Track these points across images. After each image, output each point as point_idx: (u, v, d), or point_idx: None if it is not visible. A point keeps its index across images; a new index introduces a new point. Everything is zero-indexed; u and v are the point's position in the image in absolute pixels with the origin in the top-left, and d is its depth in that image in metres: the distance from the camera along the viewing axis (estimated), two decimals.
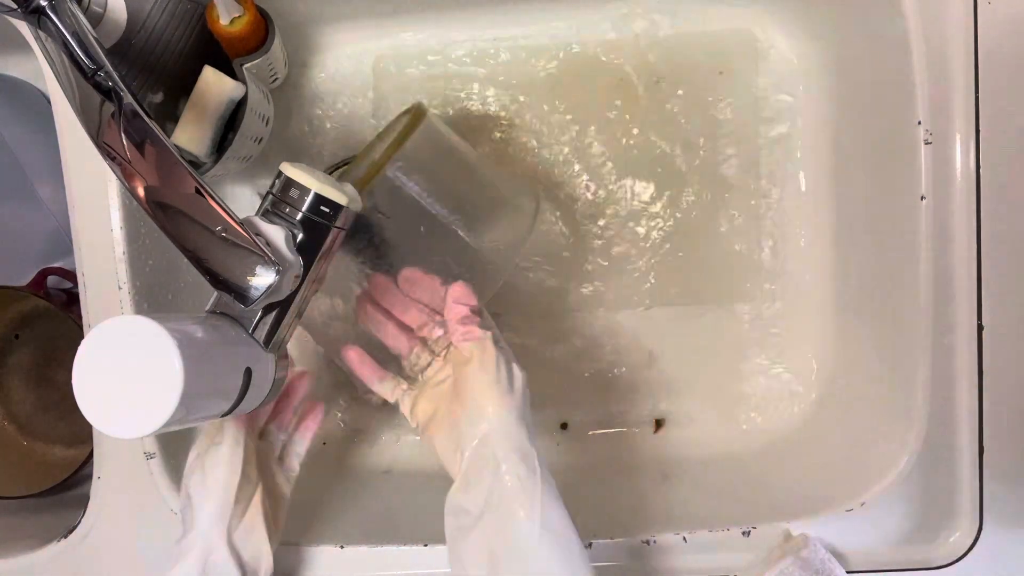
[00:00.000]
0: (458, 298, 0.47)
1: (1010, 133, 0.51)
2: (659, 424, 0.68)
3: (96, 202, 0.54)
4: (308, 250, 0.44)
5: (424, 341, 0.50)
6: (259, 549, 0.48)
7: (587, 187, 0.67)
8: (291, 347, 0.47)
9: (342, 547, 0.55)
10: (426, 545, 0.55)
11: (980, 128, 0.51)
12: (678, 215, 0.66)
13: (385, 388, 0.50)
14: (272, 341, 0.44)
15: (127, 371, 0.35)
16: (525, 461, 0.44)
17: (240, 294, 0.40)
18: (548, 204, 0.67)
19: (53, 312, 0.72)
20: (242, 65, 0.53)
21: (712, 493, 0.62)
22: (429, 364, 0.50)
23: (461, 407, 0.46)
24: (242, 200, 0.66)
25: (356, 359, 0.50)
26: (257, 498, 0.48)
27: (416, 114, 0.52)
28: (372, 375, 0.50)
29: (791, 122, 0.66)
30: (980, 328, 0.52)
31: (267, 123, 0.60)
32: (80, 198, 0.55)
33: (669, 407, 0.68)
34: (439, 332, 0.49)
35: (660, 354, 0.68)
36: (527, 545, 0.42)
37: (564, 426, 0.68)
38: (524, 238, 0.56)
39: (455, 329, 0.47)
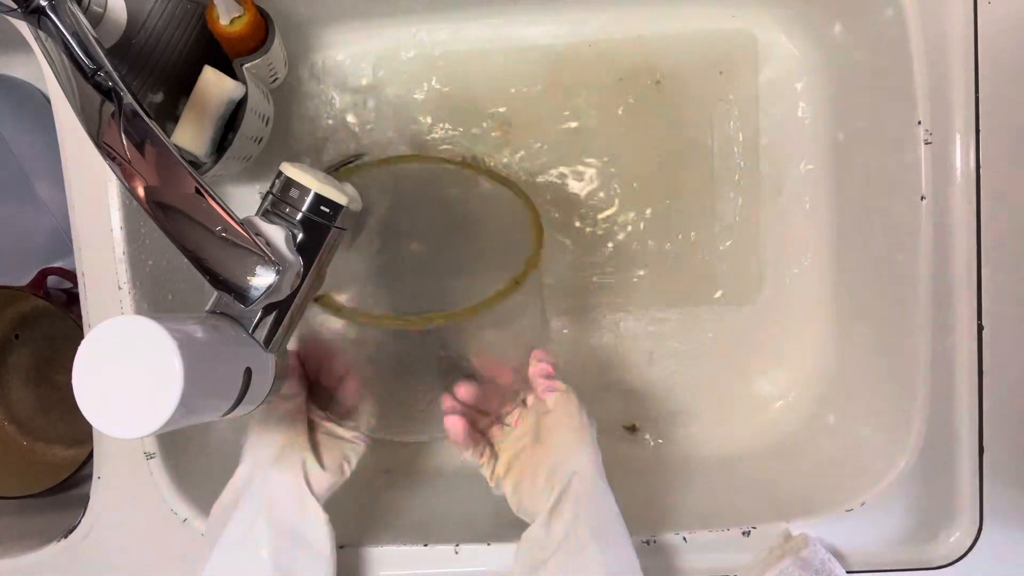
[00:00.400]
0: (541, 358, 0.54)
1: (1010, 133, 0.51)
2: (632, 429, 0.68)
3: (96, 202, 0.54)
4: (308, 250, 0.44)
5: (499, 416, 0.55)
6: (296, 488, 0.49)
7: (586, 188, 0.67)
8: (291, 347, 0.47)
9: (342, 547, 0.55)
10: (426, 545, 0.55)
11: (980, 128, 0.51)
12: (678, 215, 0.66)
13: (476, 452, 0.53)
14: (272, 341, 0.44)
15: (127, 371, 0.35)
16: (604, 501, 0.47)
17: (240, 294, 0.39)
18: (547, 204, 0.67)
19: (53, 312, 0.72)
20: (242, 65, 0.53)
21: (712, 493, 0.62)
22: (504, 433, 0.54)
23: (547, 452, 0.50)
24: (242, 200, 0.66)
25: (461, 433, 0.52)
26: (293, 448, 0.50)
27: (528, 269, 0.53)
28: (465, 443, 0.52)
29: (791, 121, 0.66)
30: (980, 328, 0.52)
31: (267, 123, 0.60)
32: (80, 198, 0.55)
33: (669, 407, 0.68)
34: (511, 407, 0.54)
35: (660, 354, 0.68)
36: None
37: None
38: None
39: (540, 383, 0.53)
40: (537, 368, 0.53)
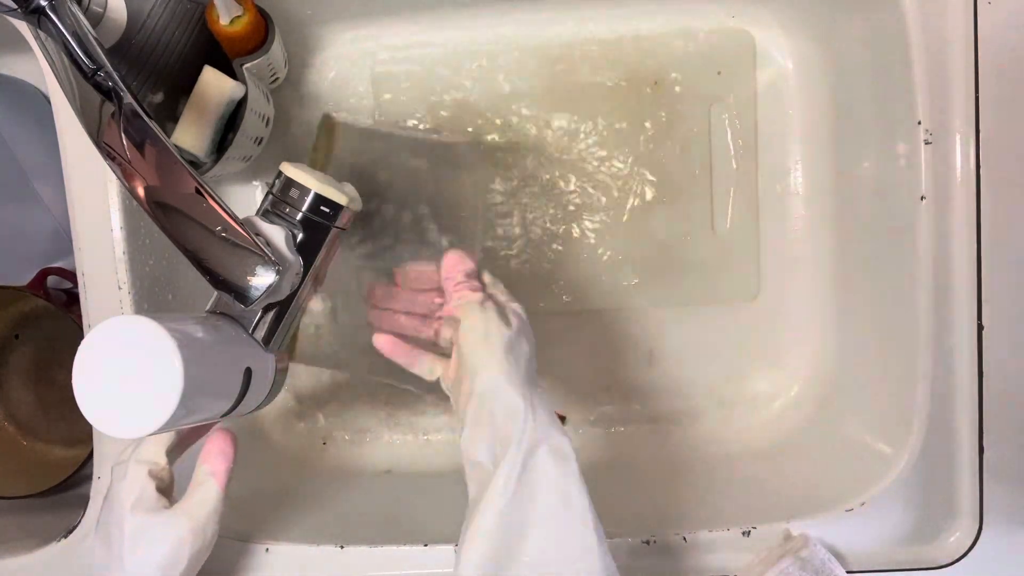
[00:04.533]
0: (449, 268, 0.50)
1: (1010, 133, 0.51)
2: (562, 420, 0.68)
3: (96, 202, 0.54)
4: (308, 250, 0.44)
5: (444, 320, 0.52)
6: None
7: (585, 187, 0.67)
8: None
9: (342, 547, 0.55)
10: (426, 545, 0.55)
11: (980, 128, 0.51)
12: (676, 215, 0.66)
13: (423, 368, 0.51)
14: (272, 341, 0.44)
15: (127, 371, 0.35)
16: (512, 418, 0.44)
17: (240, 294, 0.40)
18: (546, 204, 0.67)
19: (53, 312, 0.72)
20: (242, 65, 0.53)
21: (712, 493, 0.61)
22: None
23: (460, 368, 0.48)
24: (242, 200, 0.66)
25: (388, 346, 0.51)
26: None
27: None
28: (407, 358, 0.51)
29: (790, 122, 0.66)
30: (980, 328, 0.52)
31: (267, 123, 0.60)
32: (80, 198, 0.55)
33: (669, 407, 0.68)
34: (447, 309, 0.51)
35: (660, 354, 0.68)
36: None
37: (562, 420, 0.68)
38: None
39: (451, 297, 0.50)
40: (447, 283, 0.51)
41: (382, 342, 0.51)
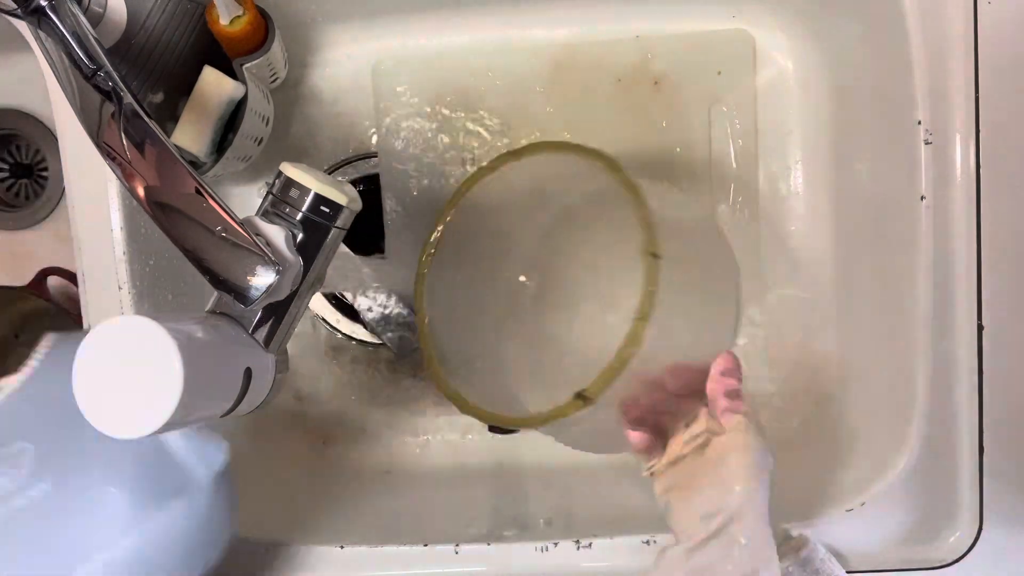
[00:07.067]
0: (725, 371, 0.47)
1: (1010, 133, 0.51)
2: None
3: (96, 202, 0.54)
4: (308, 250, 0.44)
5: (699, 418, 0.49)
6: None
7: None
8: (290, 347, 0.47)
9: (342, 547, 0.55)
10: (426, 545, 0.55)
11: (980, 128, 0.51)
12: (676, 215, 0.66)
13: (650, 461, 0.49)
14: (272, 341, 0.44)
15: (127, 371, 0.35)
16: (759, 551, 0.43)
17: (240, 294, 0.40)
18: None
19: (53, 312, 0.72)
20: (242, 65, 0.53)
21: None
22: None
23: (710, 475, 0.45)
24: (242, 200, 0.66)
25: (643, 445, 0.49)
26: None
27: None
28: (648, 453, 0.49)
29: (790, 122, 0.65)
30: (980, 328, 0.52)
31: (267, 123, 0.60)
32: (80, 198, 0.55)
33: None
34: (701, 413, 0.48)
35: None
36: None
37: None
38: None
39: (719, 402, 0.47)
40: (720, 383, 0.47)
41: (637, 439, 0.49)
